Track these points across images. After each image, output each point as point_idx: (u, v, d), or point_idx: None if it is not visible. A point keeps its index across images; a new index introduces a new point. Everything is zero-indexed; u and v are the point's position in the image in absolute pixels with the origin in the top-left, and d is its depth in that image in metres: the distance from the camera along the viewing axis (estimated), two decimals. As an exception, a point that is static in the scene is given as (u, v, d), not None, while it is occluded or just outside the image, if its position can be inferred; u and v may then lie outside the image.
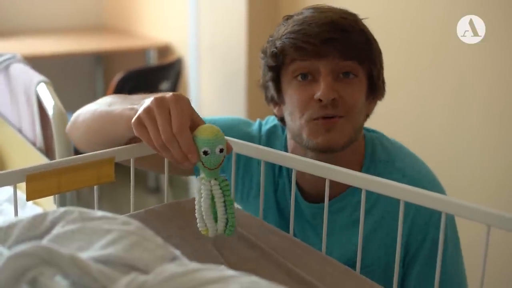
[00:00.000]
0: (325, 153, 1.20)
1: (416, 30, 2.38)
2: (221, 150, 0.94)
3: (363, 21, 1.24)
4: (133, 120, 0.99)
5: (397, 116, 2.39)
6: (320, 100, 1.17)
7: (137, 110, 1.03)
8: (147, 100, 0.99)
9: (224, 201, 0.96)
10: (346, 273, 0.96)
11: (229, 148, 0.97)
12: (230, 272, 0.65)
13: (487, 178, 2.21)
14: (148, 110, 0.97)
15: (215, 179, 0.96)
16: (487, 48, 2.10)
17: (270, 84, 1.26)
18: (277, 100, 1.27)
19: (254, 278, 0.65)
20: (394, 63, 2.37)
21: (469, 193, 2.24)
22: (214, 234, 0.96)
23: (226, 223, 0.96)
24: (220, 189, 0.96)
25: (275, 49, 1.21)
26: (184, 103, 0.97)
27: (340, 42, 1.17)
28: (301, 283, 0.91)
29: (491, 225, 0.83)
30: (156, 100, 0.97)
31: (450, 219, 1.26)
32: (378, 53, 1.25)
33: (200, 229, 0.97)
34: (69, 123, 1.32)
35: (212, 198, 0.96)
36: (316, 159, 1.22)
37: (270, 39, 1.25)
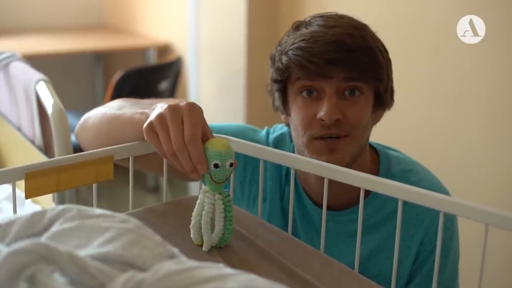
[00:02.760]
0: None
1: (416, 30, 2.38)
2: (231, 165, 0.94)
3: (373, 33, 1.21)
4: (144, 125, 0.98)
5: (396, 116, 2.37)
6: (323, 120, 1.16)
7: (147, 115, 1.02)
8: (160, 106, 0.98)
9: (224, 217, 0.96)
10: (346, 273, 0.96)
11: (235, 164, 0.96)
12: (229, 270, 0.65)
13: (488, 179, 2.20)
14: (161, 117, 0.96)
15: (219, 193, 0.96)
16: (487, 48, 2.10)
17: (276, 94, 1.25)
18: (282, 110, 1.26)
19: (252, 276, 0.65)
20: (394, 63, 2.35)
21: (470, 194, 2.23)
22: (208, 248, 0.97)
23: (221, 237, 0.97)
24: (223, 204, 0.96)
25: (280, 65, 1.20)
26: (197, 113, 0.96)
27: (345, 63, 1.15)
28: (300, 282, 0.91)
29: (490, 224, 0.83)
30: (170, 108, 0.96)
31: (455, 239, 1.25)
32: (387, 67, 1.22)
33: (194, 241, 0.98)
34: (78, 126, 1.31)
35: (213, 212, 0.96)
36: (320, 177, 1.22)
37: (279, 48, 1.23)
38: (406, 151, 1.37)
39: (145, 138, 0.98)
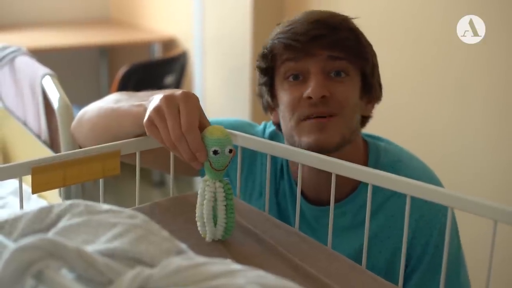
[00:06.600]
0: (318, 153, 1.17)
1: (416, 30, 2.37)
2: (230, 151, 0.95)
3: (354, 22, 1.23)
4: (144, 120, 0.99)
5: (397, 116, 2.37)
6: (309, 98, 1.15)
7: (145, 107, 1.02)
8: (157, 98, 0.99)
9: (226, 205, 0.96)
10: (352, 268, 0.96)
11: (233, 151, 0.96)
12: (237, 266, 0.65)
13: (489, 177, 2.20)
14: (158, 109, 0.97)
15: (220, 181, 0.96)
16: (487, 48, 2.08)
17: (264, 88, 1.25)
18: (272, 105, 1.26)
19: (260, 272, 0.64)
20: (394, 63, 2.35)
21: (472, 189, 2.22)
22: (211, 239, 0.97)
23: (225, 227, 0.97)
24: (224, 192, 0.96)
25: (265, 50, 1.22)
26: (193, 101, 0.97)
27: (328, 39, 1.17)
28: (307, 278, 0.91)
29: (498, 221, 0.82)
30: (166, 98, 0.97)
31: (453, 230, 1.24)
32: (370, 50, 1.23)
33: (201, 233, 0.98)
34: (74, 122, 1.31)
35: (214, 200, 0.96)
36: None
37: (263, 46, 1.25)
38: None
39: (147, 132, 0.99)
